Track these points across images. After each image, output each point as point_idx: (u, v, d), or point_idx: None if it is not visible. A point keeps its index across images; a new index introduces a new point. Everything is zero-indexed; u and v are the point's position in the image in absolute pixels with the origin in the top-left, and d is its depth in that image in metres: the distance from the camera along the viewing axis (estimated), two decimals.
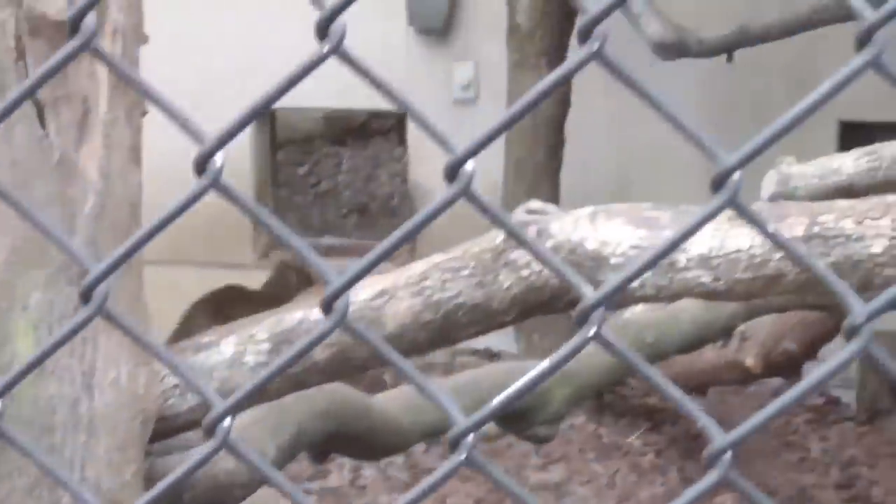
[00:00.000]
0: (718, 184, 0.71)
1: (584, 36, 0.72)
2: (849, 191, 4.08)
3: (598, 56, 0.72)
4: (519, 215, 2.86)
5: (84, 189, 2.39)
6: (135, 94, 2.51)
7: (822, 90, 0.70)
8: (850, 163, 4.06)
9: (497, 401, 0.74)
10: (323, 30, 0.74)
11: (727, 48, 5.59)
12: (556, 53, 5.99)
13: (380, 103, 7.51)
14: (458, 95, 7.30)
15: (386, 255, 0.77)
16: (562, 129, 6.21)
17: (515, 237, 0.75)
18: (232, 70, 7.36)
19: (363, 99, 7.70)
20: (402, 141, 8.65)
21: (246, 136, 7.40)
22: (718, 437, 0.72)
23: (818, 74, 5.74)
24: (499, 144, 6.42)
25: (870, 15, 0.68)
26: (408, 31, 7.19)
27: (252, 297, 6.62)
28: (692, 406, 0.77)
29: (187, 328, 6.62)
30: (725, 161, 0.71)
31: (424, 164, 7.28)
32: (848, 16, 5.30)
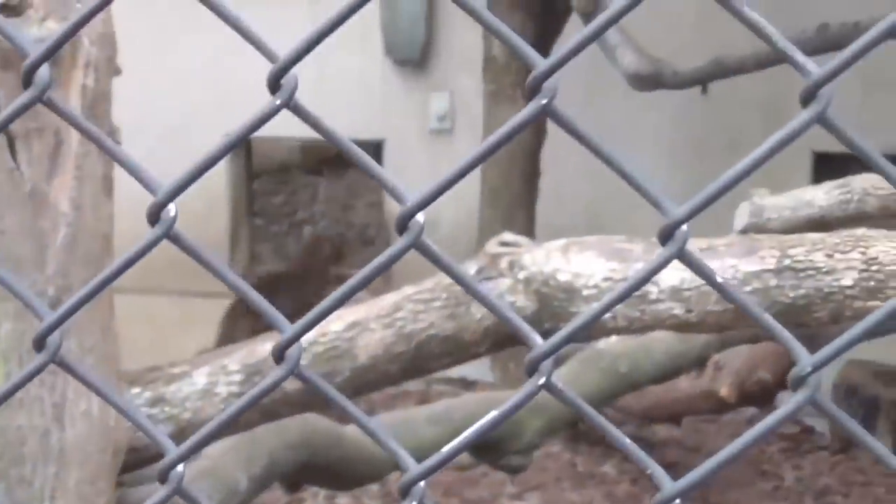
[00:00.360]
0: (666, 236, 0.72)
1: (533, 91, 0.73)
2: (821, 223, 4.10)
3: (547, 111, 0.72)
4: (492, 247, 2.87)
5: (55, 221, 2.39)
6: (107, 125, 2.51)
7: (767, 145, 0.71)
8: (823, 195, 4.08)
9: (448, 448, 0.74)
10: (274, 83, 0.74)
11: (702, 80, 5.61)
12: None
13: (356, 132, 7.54)
14: (434, 126, 7.33)
15: (337, 305, 0.77)
16: (537, 159, 6.23)
17: (466, 287, 0.76)
18: (208, 101, 7.37)
19: (340, 128, 7.67)
20: None
21: (222, 165, 7.40)
22: (667, 485, 0.73)
23: (792, 107, 5.77)
24: (475, 172, 6.43)
25: (814, 71, 0.69)
26: (384, 62, 7.22)
27: (285, 279, 6.69)
28: (641, 454, 0.77)
29: (231, 328, 6.71)
30: (673, 214, 0.72)
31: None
32: (822, 48, 5.35)
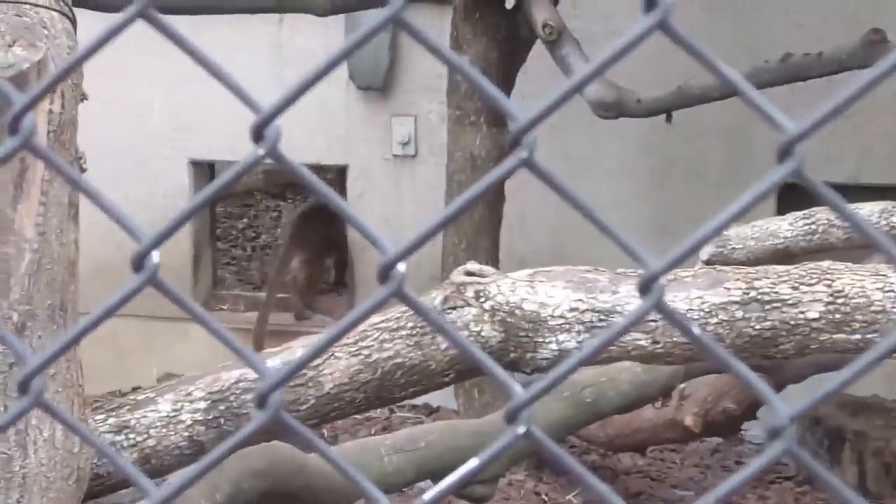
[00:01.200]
0: (645, 288, 0.74)
1: (514, 143, 0.74)
2: (785, 253, 4.13)
3: (528, 164, 0.74)
4: (457, 276, 2.88)
5: (20, 247, 2.39)
6: (72, 151, 2.52)
7: (743, 201, 0.72)
8: (787, 226, 4.11)
9: (428, 498, 0.75)
10: (257, 134, 0.76)
11: (665, 109, 5.64)
12: (495, 112, 6.02)
13: (319, 158, 7.55)
14: (397, 151, 7.34)
15: (317, 354, 0.78)
16: (502, 185, 6.25)
17: (442, 331, 0.77)
18: (169, 127, 7.37)
19: (303, 152, 7.72)
20: (342, 194, 8.67)
21: (185, 190, 7.39)
22: None
23: (756, 137, 5.83)
24: (437, 197, 6.44)
25: (791, 128, 0.71)
26: (348, 87, 7.23)
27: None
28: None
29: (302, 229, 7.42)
30: (651, 267, 0.73)
31: (364, 216, 7.29)
32: (785, 79, 5.36)
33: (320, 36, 7.09)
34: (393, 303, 2.86)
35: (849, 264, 2.76)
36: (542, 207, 6.90)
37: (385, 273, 0.74)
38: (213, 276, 7.94)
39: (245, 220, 9.61)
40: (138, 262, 0.73)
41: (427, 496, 0.75)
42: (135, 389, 3.13)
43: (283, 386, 0.76)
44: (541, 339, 2.78)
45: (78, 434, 0.79)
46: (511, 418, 0.74)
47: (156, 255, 0.73)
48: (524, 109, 0.74)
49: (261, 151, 0.74)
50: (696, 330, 0.72)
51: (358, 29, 6.42)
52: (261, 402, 0.74)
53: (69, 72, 0.79)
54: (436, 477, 3.81)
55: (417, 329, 2.83)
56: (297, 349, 2.88)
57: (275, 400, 0.73)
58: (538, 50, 5.86)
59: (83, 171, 2.60)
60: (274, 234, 9.20)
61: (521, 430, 0.73)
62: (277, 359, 2.84)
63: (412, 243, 0.74)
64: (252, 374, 2.86)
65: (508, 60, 6.11)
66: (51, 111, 2.41)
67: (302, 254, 7.69)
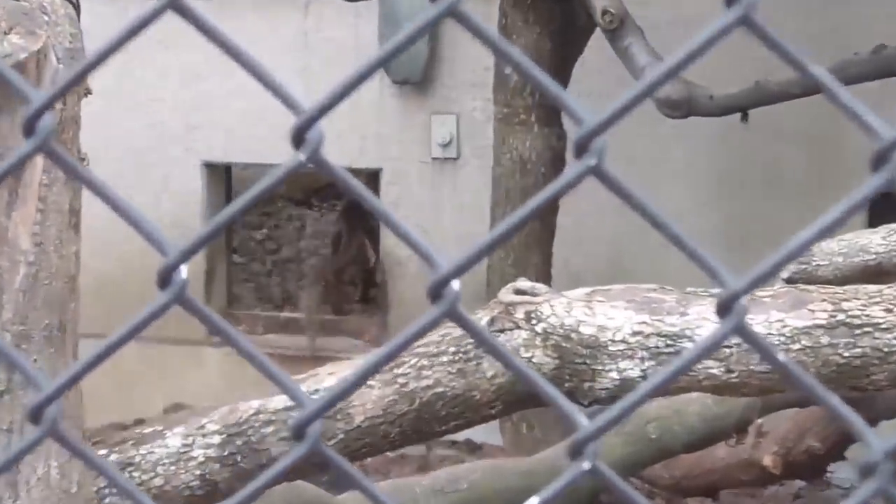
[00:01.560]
0: (725, 309, 0.75)
1: (581, 149, 0.76)
2: (877, 271, 4.12)
3: (596, 173, 0.76)
4: (506, 296, 2.89)
5: (14, 259, 2.39)
6: (75, 150, 2.53)
7: (835, 213, 0.74)
8: (880, 240, 4.10)
9: None
10: (299, 137, 0.78)
11: (741, 107, 5.63)
12: (549, 109, 6.03)
13: (350, 161, 7.57)
14: (436, 153, 7.34)
15: (362, 381, 0.80)
16: None
17: (500, 356, 0.79)
18: (181, 126, 7.41)
19: (330, 154, 7.68)
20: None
21: (198, 194, 7.43)
22: None
23: (843, 140, 5.79)
24: (482, 205, 6.45)
25: (887, 133, 0.72)
26: (382, 81, 7.23)
27: None
28: None
29: None
30: (732, 286, 0.75)
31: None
32: (877, 72, 5.35)
33: (348, 25, 7.13)
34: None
35: None
36: (599, 217, 6.90)
37: (437, 291, 0.75)
38: (228, 293, 7.97)
39: (264, 231, 9.60)
40: (165, 278, 0.76)
41: None
42: (138, 422, 3.14)
43: (322, 416, 0.78)
44: (600, 367, 2.78)
45: (99, 471, 0.81)
46: (576, 453, 0.76)
47: (184, 270, 0.76)
48: (590, 110, 0.75)
49: (302, 157, 0.76)
50: (782, 357, 0.74)
51: (394, 18, 6.43)
52: (298, 432, 0.75)
53: (93, 66, 0.81)
54: None
55: (460, 355, 2.84)
56: (324, 376, 2.89)
57: (314, 431, 0.75)
58: (596, 40, 5.87)
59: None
60: (296, 246, 9.21)
61: (586, 465, 0.75)
62: (303, 387, 2.85)
63: (467, 258, 0.76)
64: (273, 405, 2.87)
65: (563, 52, 6.12)
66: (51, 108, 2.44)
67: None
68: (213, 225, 0.78)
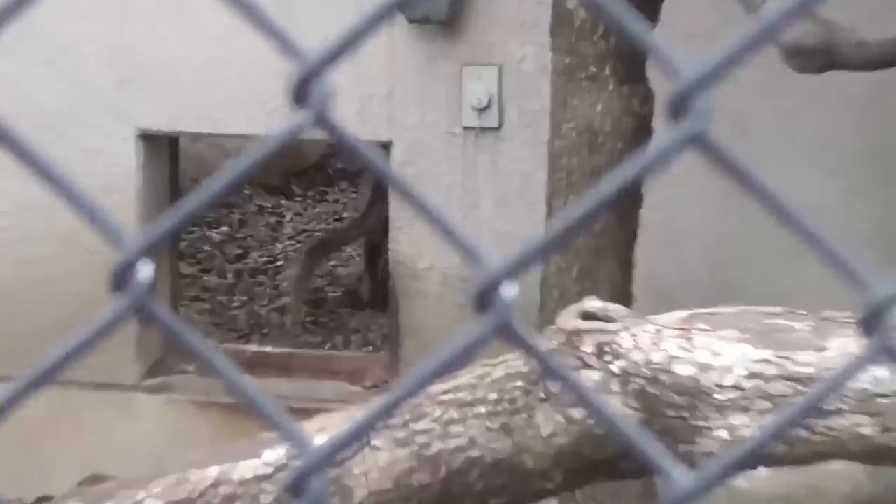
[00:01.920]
0: (870, 324, 0.77)
1: (677, 111, 0.78)
2: None
3: (699, 141, 0.78)
4: (568, 321, 2.89)
5: None
6: None
7: None
8: None
9: None
10: (301, 91, 0.80)
11: None
12: (630, 59, 6.04)
13: (350, 127, 7.50)
14: (470, 121, 7.30)
15: (374, 421, 0.83)
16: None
17: (573, 387, 0.81)
18: (111, 85, 7.46)
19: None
20: (374, 189, 8.66)
21: (132, 173, 7.46)
22: None
23: None
24: (534, 191, 6.44)
25: None
26: (396, 22, 7.17)
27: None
28: None
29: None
30: (877, 292, 0.77)
31: (411, 224, 7.24)
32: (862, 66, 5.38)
33: None
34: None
35: None
36: (696, 212, 6.91)
37: (484, 297, 0.75)
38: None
39: (225, 230, 9.54)
40: (120, 277, 0.78)
41: None
42: (42, 500, 3.15)
43: (326, 466, 0.81)
44: (702, 423, 2.78)
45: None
46: None
47: (148, 270, 0.78)
48: (689, 60, 0.77)
49: (307, 115, 0.78)
50: None
51: None
52: (296, 488, 0.78)
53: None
54: None
55: (504, 404, 2.83)
56: (312, 434, 2.94)
57: (317, 486, 0.78)
58: None
59: None
60: (272, 250, 9.18)
61: None
62: (281, 451, 2.88)
63: (524, 254, 0.77)
64: (239, 473, 2.89)
65: None
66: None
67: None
68: (180, 212, 0.81)
